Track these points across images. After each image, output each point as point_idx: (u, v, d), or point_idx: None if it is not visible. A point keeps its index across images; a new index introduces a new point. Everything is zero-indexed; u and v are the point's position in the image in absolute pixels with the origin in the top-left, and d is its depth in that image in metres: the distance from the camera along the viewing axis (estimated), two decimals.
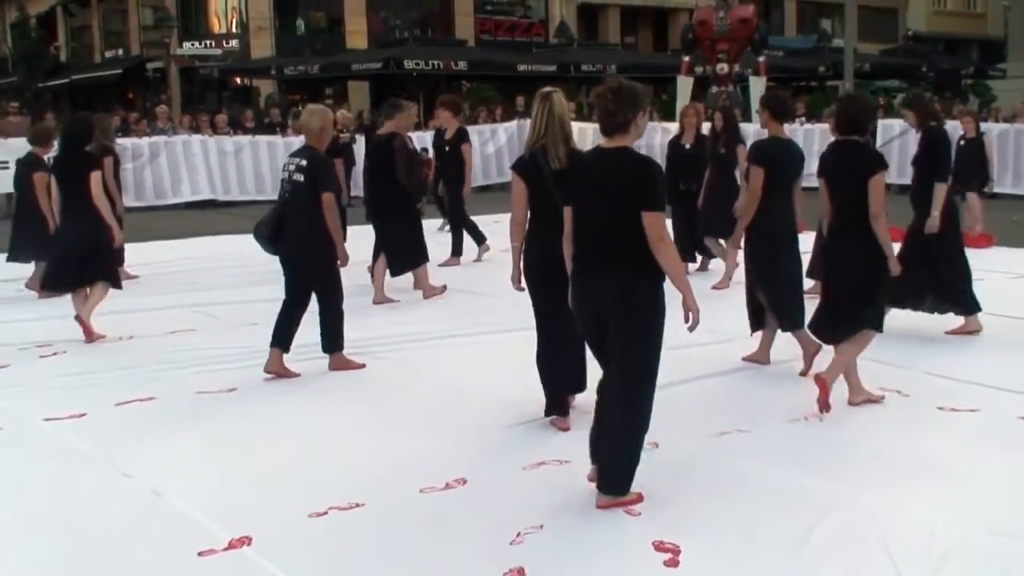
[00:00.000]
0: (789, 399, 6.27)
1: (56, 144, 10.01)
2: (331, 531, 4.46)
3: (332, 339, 7.10)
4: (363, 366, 7.17)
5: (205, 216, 17.52)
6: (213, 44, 37.67)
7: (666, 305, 4.58)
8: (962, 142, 13.46)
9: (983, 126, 15.02)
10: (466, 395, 6.46)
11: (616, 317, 4.57)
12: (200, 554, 4.22)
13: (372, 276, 9.53)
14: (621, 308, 4.54)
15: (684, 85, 23.62)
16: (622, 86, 4.62)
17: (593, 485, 4.70)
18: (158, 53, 35.00)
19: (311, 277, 7.02)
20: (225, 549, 4.26)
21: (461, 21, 38.88)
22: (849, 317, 6.07)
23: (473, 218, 12.17)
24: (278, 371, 6.96)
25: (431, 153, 11.49)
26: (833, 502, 4.65)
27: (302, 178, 6.84)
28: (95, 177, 8.03)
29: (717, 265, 10.51)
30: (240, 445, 5.67)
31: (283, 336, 7.02)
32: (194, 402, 6.50)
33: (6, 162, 17.42)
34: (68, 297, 8.52)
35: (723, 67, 23.42)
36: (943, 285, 7.85)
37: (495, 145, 21.43)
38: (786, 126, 7.40)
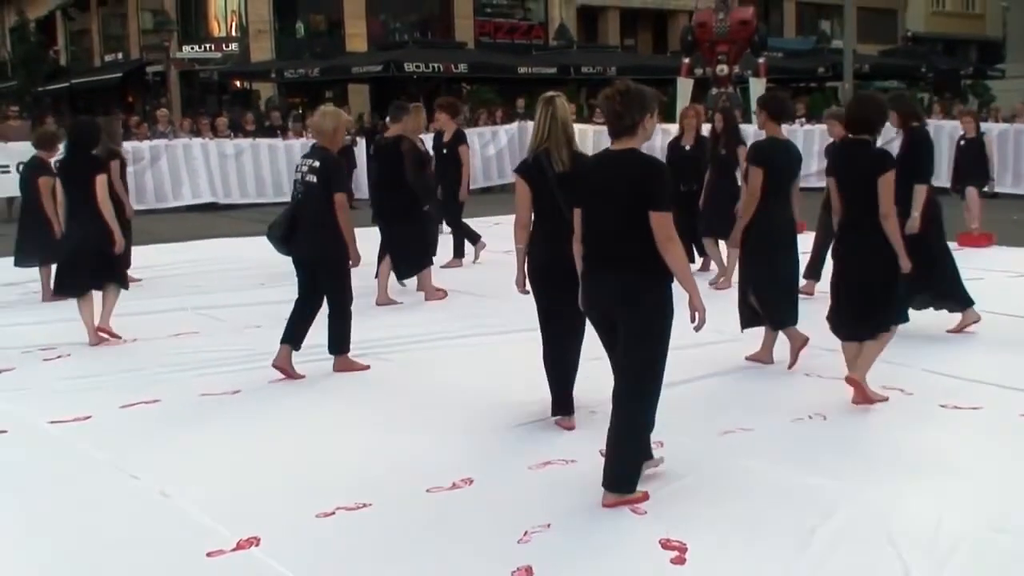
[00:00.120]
0: (792, 398, 6.30)
1: (61, 148, 10.06)
2: (339, 531, 4.48)
3: (339, 341, 7.13)
4: (367, 367, 7.19)
5: (206, 219, 17.55)
6: (213, 47, 37.70)
7: (674, 307, 4.62)
8: (962, 142, 13.50)
9: (983, 126, 15.05)
10: (470, 396, 6.48)
11: (623, 317, 4.62)
12: (209, 555, 4.24)
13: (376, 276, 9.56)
14: (628, 308, 4.60)
15: (684, 87, 23.65)
16: (630, 89, 4.66)
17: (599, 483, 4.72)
18: (158, 57, 35.01)
19: (322, 278, 7.05)
20: (233, 550, 4.28)
21: (461, 24, 38.91)
22: (868, 316, 6.10)
23: (475, 219, 12.20)
24: (284, 367, 6.98)
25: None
26: (838, 500, 4.67)
27: (315, 179, 6.89)
28: (101, 181, 8.05)
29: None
30: (246, 447, 5.69)
31: (294, 333, 7.05)
32: (198, 404, 6.52)
33: (6, 166, 17.51)
34: (69, 301, 8.54)
35: (723, 68, 23.46)
36: (933, 284, 7.86)
37: (496, 147, 21.45)
38: (786, 127, 7.43)
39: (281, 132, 20.86)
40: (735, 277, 9.29)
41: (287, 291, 10.16)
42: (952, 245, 12.05)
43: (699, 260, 10.84)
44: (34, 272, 10.39)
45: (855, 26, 28.52)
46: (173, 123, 21.35)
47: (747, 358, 7.17)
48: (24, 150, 16.37)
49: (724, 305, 7.50)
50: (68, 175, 8.30)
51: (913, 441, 5.63)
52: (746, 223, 7.03)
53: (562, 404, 5.85)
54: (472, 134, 20.24)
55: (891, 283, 6.07)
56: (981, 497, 4.76)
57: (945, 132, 18.30)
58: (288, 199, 18.46)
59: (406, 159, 9.35)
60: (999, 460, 5.28)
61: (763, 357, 7.14)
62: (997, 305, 8.68)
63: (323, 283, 7.06)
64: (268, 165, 19.67)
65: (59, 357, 7.83)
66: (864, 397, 6.08)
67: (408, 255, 9.56)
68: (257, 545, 4.32)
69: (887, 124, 6.88)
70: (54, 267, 9.78)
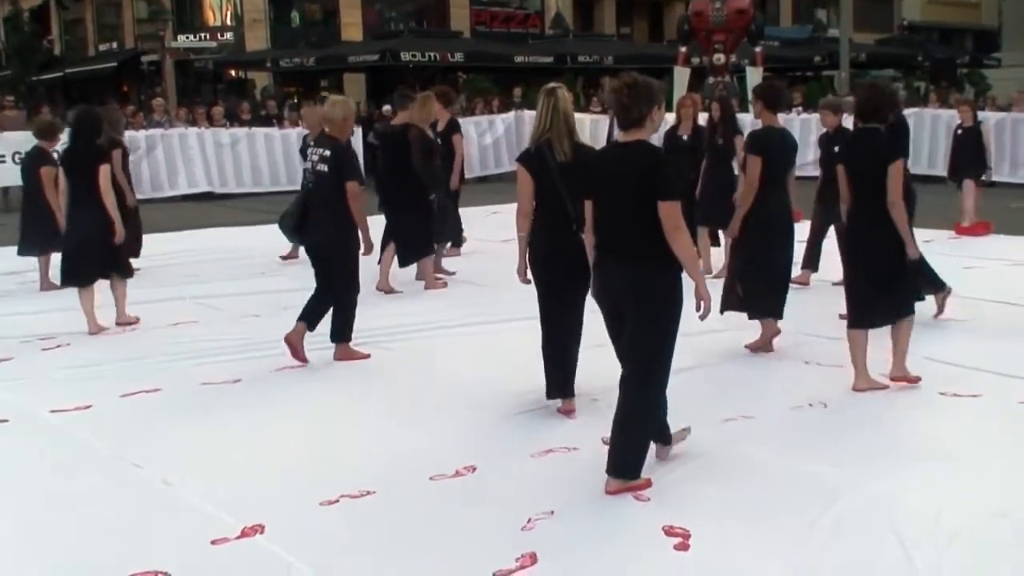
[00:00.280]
0: (793, 386, 6.32)
1: (61, 137, 10.06)
2: (343, 519, 4.50)
3: (341, 329, 7.14)
4: (368, 356, 7.21)
5: (202, 208, 17.52)
6: (208, 37, 37.62)
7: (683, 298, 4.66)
8: (959, 131, 13.44)
9: (980, 115, 15.04)
10: (471, 384, 6.50)
11: (632, 306, 4.67)
12: (213, 543, 4.25)
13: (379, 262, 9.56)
14: (637, 297, 4.65)
15: (680, 76, 23.63)
16: (637, 81, 4.72)
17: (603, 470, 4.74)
18: (153, 46, 34.97)
19: (331, 266, 7.06)
20: (238, 537, 4.29)
21: (456, 13, 38.83)
22: (889, 300, 6.13)
23: (471, 208, 12.20)
24: (295, 343, 6.99)
25: None
26: (840, 487, 4.69)
27: (325, 168, 6.91)
28: (104, 170, 8.05)
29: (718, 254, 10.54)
30: (248, 435, 5.70)
31: (310, 314, 7.07)
32: (199, 393, 6.52)
33: (3, 156, 17.49)
34: (68, 289, 8.54)
35: (719, 57, 23.46)
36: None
37: (492, 136, 21.43)
38: (783, 116, 7.44)
39: (277, 121, 20.84)
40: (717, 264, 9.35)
41: (285, 280, 10.27)
42: (949, 234, 12.18)
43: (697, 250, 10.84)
44: (32, 261, 10.39)
45: (851, 15, 28.47)
46: (169, 112, 21.31)
47: (747, 346, 7.19)
48: (20, 140, 16.41)
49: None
50: (71, 165, 8.29)
51: (913, 429, 5.67)
52: (744, 213, 7.05)
53: (559, 386, 5.87)
54: (468, 123, 20.27)
55: (900, 269, 6.09)
56: (981, 484, 4.78)
57: (942, 121, 18.34)
58: (283, 188, 18.56)
59: (413, 147, 9.37)
60: (999, 447, 5.31)
61: (763, 346, 7.16)
62: (995, 293, 8.71)
63: (331, 272, 7.07)
64: (264, 154, 19.65)
65: (58, 346, 7.83)
66: (908, 381, 6.20)
67: (412, 242, 9.59)
68: (262, 533, 4.33)
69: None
70: (53, 256, 9.82)
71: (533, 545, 4.14)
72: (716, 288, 4.99)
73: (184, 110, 21.53)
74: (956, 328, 7.83)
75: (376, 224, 9.24)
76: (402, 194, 9.52)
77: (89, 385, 6.68)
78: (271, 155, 19.65)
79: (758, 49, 24.32)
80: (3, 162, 17.35)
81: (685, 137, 10.73)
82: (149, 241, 11.35)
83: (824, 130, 9.18)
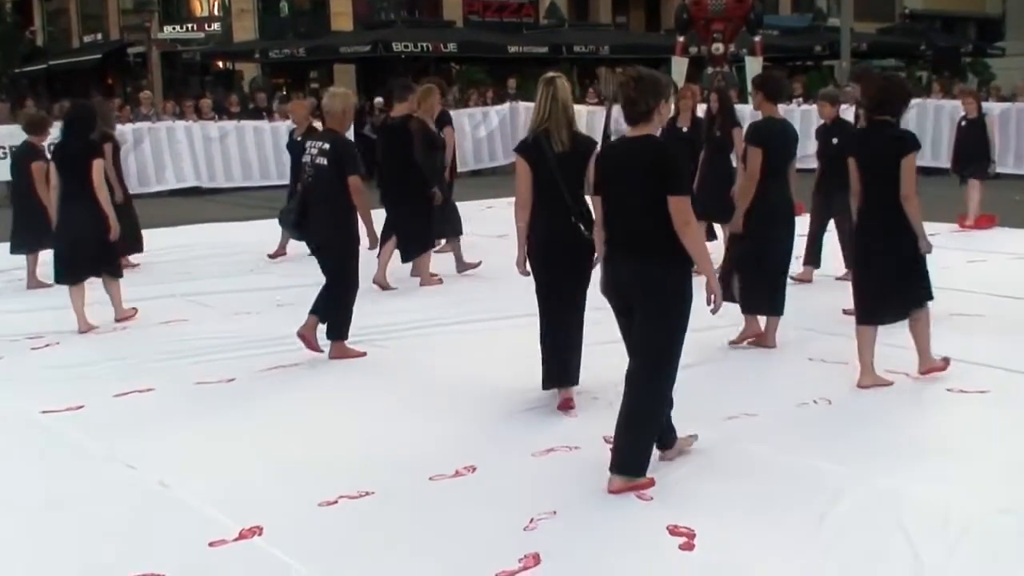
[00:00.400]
0: (796, 383, 6.36)
1: (51, 131, 10.06)
2: (342, 520, 4.53)
3: (337, 327, 7.16)
4: (364, 354, 7.23)
5: (190, 204, 17.52)
6: (195, 27, 37.56)
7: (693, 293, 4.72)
8: (963, 123, 13.48)
9: (984, 106, 15.06)
10: (469, 383, 6.53)
11: (641, 300, 4.72)
12: (211, 544, 4.28)
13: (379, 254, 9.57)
14: (645, 292, 4.71)
15: (679, 66, 23.67)
16: (644, 75, 4.79)
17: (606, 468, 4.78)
18: (139, 37, 34.93)
19: (330, 262, 7.09)
20: (236, 539, 4.32)
21: (448, 2, 38.82)
22: (904, 294, 6.18)
23: (466, 203, 12.21)
24: (308, 336, 7.06)
25: None
26: (846, 485, 4.73)
27: (325, 162, 6.94)
28: (98, 165, 8.06)
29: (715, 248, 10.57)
30: (244, 435, 5.72)
31: (322, 307, 7.14)
32: (194, 393, 6.54)
33: None
34: (56, 288, 8.55)
35: (718, 47, 23.50)
36: None
37: (487, 128, 21.42)
38: (783, 107, 7.47)
39: (267, 114, 20.82)
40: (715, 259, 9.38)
41: (277, 277, 10.31)
42: (952, 227, 12.22)
43: None
44: (19, 259, 10.37)
45: (852, 3, 28.53)
46: (156, 105, 21.28)
47: (749, 343, 7.23)
48: (4, 133, 16.40)
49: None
50: (64, 160, 8.30)
51: (919, 425, 5.72)
52: (746, 206, 7.08)
53: (555, 376, 5.92)
54: (462, 115, 20.28)
55: (919, 258, 6.14)
56: (989, 481, 4.83)
57: (945, 112, 18.40)
58: (273, 182, 18.53)
59: (415, 138, 9.39)
60: (1006, 443, 5.35)
61: (766, 342, 7.20)
62: (1001, 288, 8.75)
63: (330, 268, 7.10)
64: (254, 148, 19.64)
65: (47, 346, 7.85)
66: (938, 369, 6.31)
67: (414, 236, 9.63)
68: (260, 534, 4.36)
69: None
70: (41, 254, 9.84)
71: (536, 545, 4.17)
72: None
73: (172, 103, 21.49)
74: (962, 323, 7.86)
75: (376, 217, 9.28)
76: (403, 188, 9.54)
77: (80, 385, 6.70)
78: (261, 149, 19.64)
79: (757, 38, 24.36)
80: None
81: (685, 129, 10.75)
82: None
83: (822, 121, 9.21)
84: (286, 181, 12.85)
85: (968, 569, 3.98)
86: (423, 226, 9.66)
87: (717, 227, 10.05)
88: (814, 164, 9.72)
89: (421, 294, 9.44)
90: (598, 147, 5.78)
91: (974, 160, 12.95)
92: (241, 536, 4.34)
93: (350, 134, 13.50)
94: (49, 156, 8.99)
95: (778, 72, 15.91)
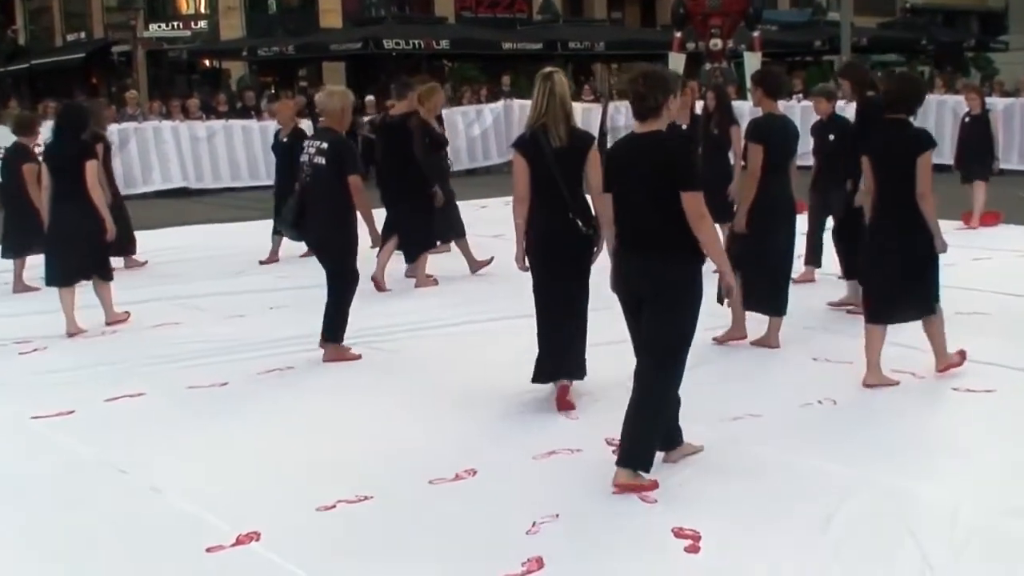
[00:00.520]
0: (800, 383, 6.40)
1: (40, 132, 10.06)
2: (341, 525, 4.55)
3: (334, 329, 7.17)
4: (359, 357, 7.25)
5: (178, 205, 17.52)
6: (181, 25, 37.50)
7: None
8: (967, 119, 13.52)
9: (987, 101, 15.10)
10: (467, 384, 6.55)
11: (650, 296, 4.79)
12: (208, 550, 4.29)
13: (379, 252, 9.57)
14: (655, 288, 4.77)
15: (676, 62, 23.69)
16: (652, 71, 4.91)
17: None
18: (123, 36, 34.86)
19: (327, 263, 7.12)
20: (233, 545, 4.34)
21: None
22: (919, 294, 6.23)
23: (459, 203, 12.20)
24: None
25: None
26: (852, 485, 4.76)
27: (323, 161, 6.97)
28: (91, 166, 8.08)
29: None
30: (239, 440, 5.74)
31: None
32: (186, 397, 6.56)
33: None
34: (43, 291, 8.55)
35: (716, 43, 23.58)
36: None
37: (481, 127, 21.42)
38: (783, 103, 7.52)
39: (255, 113, 20.82)
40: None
41: (270, 279, 10.32)
42: (956, 224, 12.25)
43: None
44: (7, 262, 10.34)
45: None
46: (142, 105, 21.28)
47: (752, 343, 7.26)
48: None
49: None
50: (56, 161, 8.31)
51: (926, 425, 5.75)
52: (749, 205, 7.12)
53: (547, 372, 5.98)
54: (455, 113, 20.31)
55: (934, 258, 6.19)
56: (997, 481, 4.87)
57: (948, 108, 18.44)
58: (262, 183, 18.53)
59: (415, 136, 9.42)
60: (1014, 443, 5.38)
61: (769, 342, 7.23)
62: (1007, 285, 8.79)
63: (327, 269, 7.13)
64: (242, 148, 19.65)
65: (35, 350, 7.85)
66: (955, 365, 6.40)
67: (416, 236, 9.67)
68: (258, 540, 4.38)
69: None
70: (29, 259, 9.84)
71: (539, 549, 4.19)
72: (712, 281, 5.07)
73: (158, 103, 21.48)
74: (968, 322, 7.89)
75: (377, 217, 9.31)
76: (402, 187, 9.57)
77: (70, 390, 6.71)
78: (249, 148, 19.63)
79: (756, 33, 24.44)
80: None
81: (684, 127, 10.78)
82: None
83: (817, 118, 9.24)
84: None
85: (976, 571, 4.01)
86: (423, 224, 9.67)
87: (716, 226, 10.04)
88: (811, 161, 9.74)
89: (416, 296, 9.46)
90: (596, 142, 5.86)
91: (977, 158, 12.98)
92: (239, 542, 4.36)
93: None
94: (40, 157, 8.99)
95: (777, 68, 15.96)
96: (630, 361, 5.01)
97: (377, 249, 8.25)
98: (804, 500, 4.64)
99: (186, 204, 17.71)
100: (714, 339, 7.24)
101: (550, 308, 5.97)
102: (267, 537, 4.40)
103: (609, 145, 6.17)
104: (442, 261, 10.76)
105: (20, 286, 10.08)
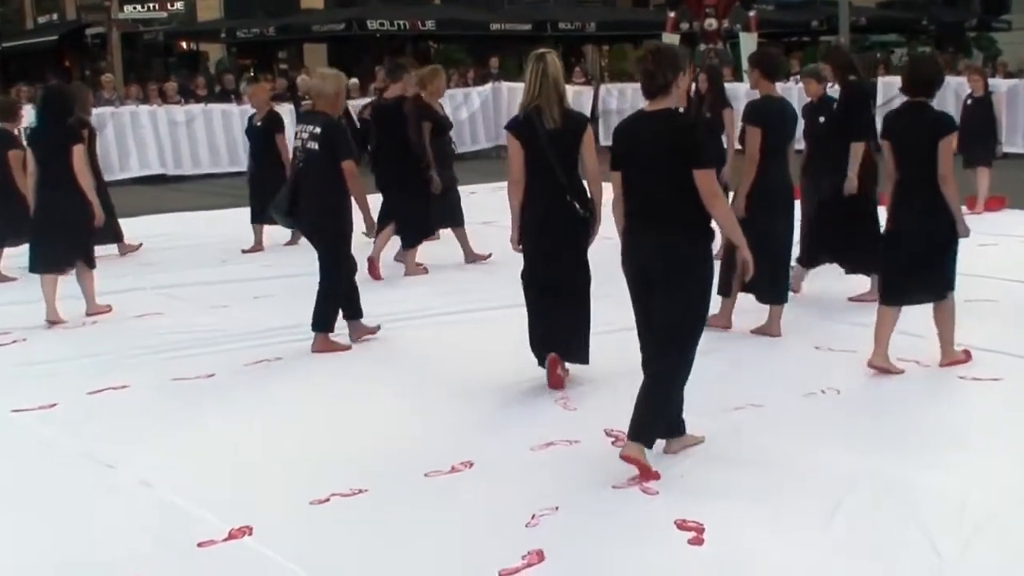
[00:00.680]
0: (803, 372, 6.45)
1: (23, 116, 10.02)
2: (335, 518, 4.58)
3: (323, 318, 7.18)
4: (349, 348, 7.28)
5: (156, 192, 17.49)
6: (157, 7, 37.20)
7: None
8: (969, 101, 13.55)
9: (990, 83, 15.13)
10: (460, 374, 6.59)
11: (662, 276, 4.85)
12: (200, 545, 4.33)
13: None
14: (667, 266, 4.84)
15: (670, 43, 23.70)
16: (661, 48, 5.00)
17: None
18: (97, 17, 34.63)
19: (320, 249, 7.14)
20: (225, 539, 4.37)
21: None
22: (935, 278, 6.31)
23: None
24: (360, 334, 7.35)
25: None
26: (857, 476, 4.81)
27: (316, 145, 6.98)
28: (78, 151, 8.09)
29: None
30: (227, 432, 5.77)
31: (349, 307, 7.30)
32: (171, 389, 6.58)
33: None
34: (21, 282, 8.54)
35: (711, 23, 23.51)
36: (856, 247, 7.99)
37: (468, 110, 21.34)
38: (781, 85, 7.56)
39: (235, 96, 20.76)
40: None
41: (254, 268, 10.32)
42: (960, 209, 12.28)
43: None
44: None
45: None
46: (118, 89, 21.21)
47: (752, 331, 7.30)
48: None
49: None
50: (41, 146, 8.31)
51: (932, 414, 5.80)
52: (747, 190, 7.15)
53: (545, 349, 6.07)
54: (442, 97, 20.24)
55: (953, 243, 6.26)
56: (1004, 470, 4.92)
57: (950, 89, 18.38)
58: (242, 168, 18.50)
59: (410, 120, 9.42)
60: (1022, 432, 5.45)
61: (770, 330, 7.27)
62: (1013, 272, 8.84)
63: (319, 255, 7.15)
64: (222, 132, 19.58)
65: (14, 342, 7.86)
66: (959, 362, 6.42)
67: (414, 222, 9.69)
68: (250, 534, 4.40)
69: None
70: (6, 249, 9.81)
71: (539, 542, 4.22)
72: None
73: (136, 87, 21.40)
74: (974, 309, 7.93)
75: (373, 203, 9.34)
76: (399, 173, 9.59)
77: (52, 382, 6.72)
78: (229, 133, 19.56)
79: (752, 13, 24.40)
80: None
81: (681, 110, 10.78)
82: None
83: (808, 99, 9.28)
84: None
85: (986, 561, 4.06)
86: (420, 210, 9.69)
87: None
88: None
89: (405, 284, 9.48)
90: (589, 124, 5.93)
91: (980, 141, 13.00)
92: (231, 536, 4.39)
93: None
94: (25, 142, 8.97)
95: (774, 48, 15.96)
96: (631, 349, 5.06)
97: (373, 237, 8.28)
98: (809, 491, 4.68)
99: (164, 191, 17.67)
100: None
101: (543, 291, 6.06)
102: (260, 531, 4.42)
103: (600, 129, 6.25)
104: (431, 249, 10.79)
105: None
